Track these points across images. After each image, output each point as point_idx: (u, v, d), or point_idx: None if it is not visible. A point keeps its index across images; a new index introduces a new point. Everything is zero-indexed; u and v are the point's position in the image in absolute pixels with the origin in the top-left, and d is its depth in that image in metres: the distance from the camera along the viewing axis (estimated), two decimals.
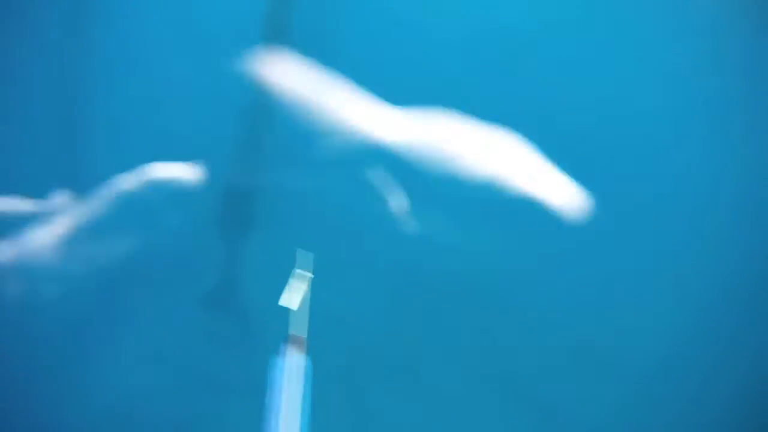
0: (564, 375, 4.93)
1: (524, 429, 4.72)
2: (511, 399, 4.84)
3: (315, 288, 4.55)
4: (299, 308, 2.79)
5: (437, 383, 4.73)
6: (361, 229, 5.14)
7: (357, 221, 5.14)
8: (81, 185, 4.63)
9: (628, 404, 5.31)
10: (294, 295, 2.82)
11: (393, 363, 4.79)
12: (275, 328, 2.78)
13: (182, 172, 4.56)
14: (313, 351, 3.81)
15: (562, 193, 4.97)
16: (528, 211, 5.55)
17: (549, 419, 4.80)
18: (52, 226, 4.37)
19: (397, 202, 5.41)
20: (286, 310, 2.67)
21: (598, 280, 5.70)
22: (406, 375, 4.76)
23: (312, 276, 2.92)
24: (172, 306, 4.46)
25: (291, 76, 5.02)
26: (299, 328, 2.65)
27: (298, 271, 2.99)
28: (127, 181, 4.52)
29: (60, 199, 4.41)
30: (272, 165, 5.34)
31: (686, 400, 5.00)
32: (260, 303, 4.23)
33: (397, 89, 6.01)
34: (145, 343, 4.30)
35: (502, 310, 5.29)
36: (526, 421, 4.76)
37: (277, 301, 2.71)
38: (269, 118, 5.23)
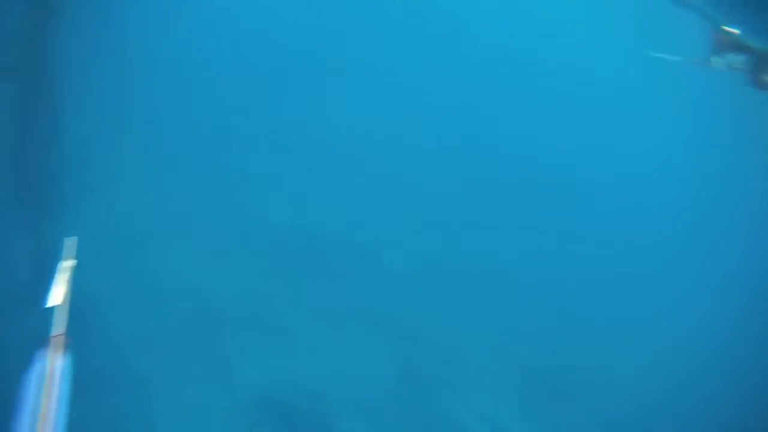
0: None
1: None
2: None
3: None
4: (62, 303, 2.58)
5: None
6: None
7: None
8: None
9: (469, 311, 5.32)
10: (60, 291, 2.60)
11: None
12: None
13: None
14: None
15: None
16: None
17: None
18: None
19: None
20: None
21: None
22: None
23: (75, 263, 2.73)
24: None
25: None
26: (60, 325, 2.47)
27: (63, 263, 2.76)
28: None
29: None
30: None
31: None
32: None
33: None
34: None
35: None
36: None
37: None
38: None
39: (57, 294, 2.74)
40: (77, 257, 4.73)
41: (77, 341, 4.62)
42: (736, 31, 4.34)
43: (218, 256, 5.52)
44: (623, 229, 6.43)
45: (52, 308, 2.65)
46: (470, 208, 6.31)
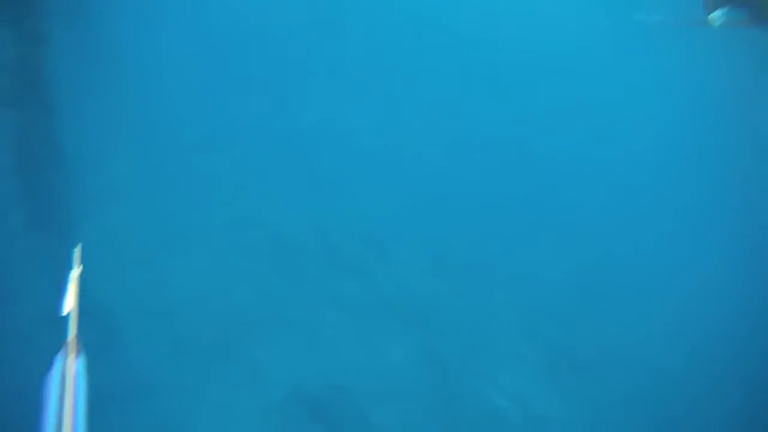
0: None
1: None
2: None
3: None
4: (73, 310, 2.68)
5: None
6: None
7: None
8: None
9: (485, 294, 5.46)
10: (71, 299, 2.71)
11: None
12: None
13: None
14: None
15: None
16: None
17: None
18: None
19: None
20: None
21: None
22: None
23: (81, 269, 2.81)
24: None
25: None
26: (73, 330, 2.56)
27: (72, 272, 2.86)
28: None
29: None
30: None
31: None
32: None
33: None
34: None
35: None
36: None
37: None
38: None
39: (69, 301, 2.84)
40: (96, 271, 4.88)
41: (104, 354, 4.82)
42: None
43: (235, 258, 5.58)
44: (638, 203, 6.43)
45: (66, 316, 2.73)
46: (481, 192, 6.32)
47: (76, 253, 2.97)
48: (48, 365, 3.01)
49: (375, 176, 6.32)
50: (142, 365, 4.79)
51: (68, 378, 2.66)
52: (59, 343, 3.19)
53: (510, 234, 6.04)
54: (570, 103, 7.21)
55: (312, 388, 4.97)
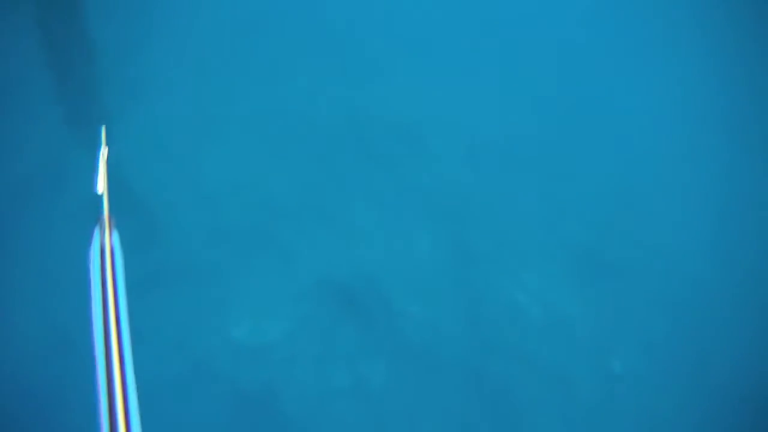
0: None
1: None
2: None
3: None
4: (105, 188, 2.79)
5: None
6: None
7: None
8: None
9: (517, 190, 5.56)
10: (102, 178, 2.81)
11: None
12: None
13: None
14: None
15: None
16: None
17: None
18: None
19: None
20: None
21: None
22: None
23: (108, 149, 2.88)
24: None
25: None
26: (106, 208, 2.69)
27: (101, 151, 2.93)
28: None
29: None
30: None
31: None
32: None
33: None
34: None
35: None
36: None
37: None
38: None
39: (101, 181, 3.00)
40: (136, 162, 5.09)
41: (153, 239, 5.12)
42: None
43: (269, 149, 5.63)
44: (667, 105, 6.06)
45: (100, 195, 2.89)
46: (518, 83, 6.04)
47: (102, 134, 3.06)
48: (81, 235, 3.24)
49: (409, 65, 6.10)
50: (180, 250, 5.04)
51: (106, 251, 2.85)
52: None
53: (549, 130, 5.85)
54: None
55: (341, 276, 5.18)
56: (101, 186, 2.76)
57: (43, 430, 4.16)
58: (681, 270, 5.15)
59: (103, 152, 2.85)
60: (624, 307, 4.95)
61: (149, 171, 5.12)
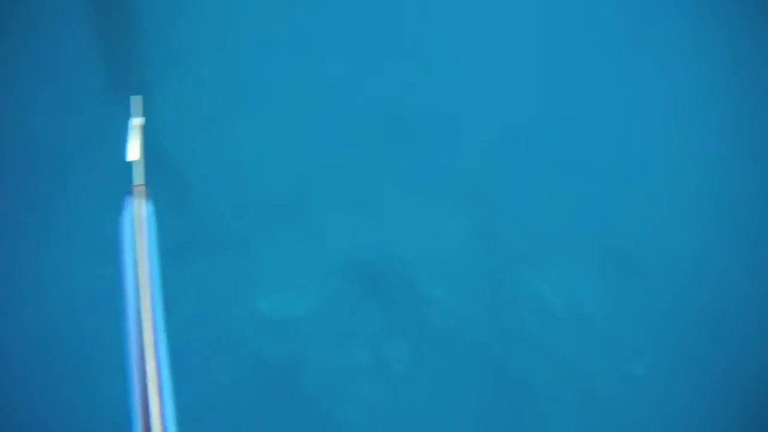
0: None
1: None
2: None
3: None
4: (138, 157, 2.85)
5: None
6: None
7: None
8: None
9: (550, 182, 5.51)
10: (134, 147, 2.87)
11: None
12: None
13: None
14: None
15: None
16: None
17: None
18: None
19: None
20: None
21: None
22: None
23: (144, 121, 2.92)
24: None
25: None
26: (139, 177, 2.75)
27: (133, 119, 2.98)
28: None
29: None
30: None
31: None
32: None
33: None
34: None
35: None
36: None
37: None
38: None
39: (133, 149, 3.07)
40: (172, 132, 5.14)
41: (186, 208, 5.19)
42: None
43: (303, 124, 5.62)
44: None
45: (131, 162, 2.95)
46: (561, 75, 5.92)
47: (135, 103, 3.13)
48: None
49: (446, 48, 6.01)
50: (211, 220, 5.11)
51: (139, 220, 2.94)
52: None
53: (586, 126, 5.73)
54: None
55: (368, 256, 5.21)
56: (133, 154, 2.82)
57: (69, 387, 4.30)
58: (711, 276, 5.08)
59: (137, 122, 2.90)
60: (650, 310, 4.93)
61: (184, 140, 5.17)
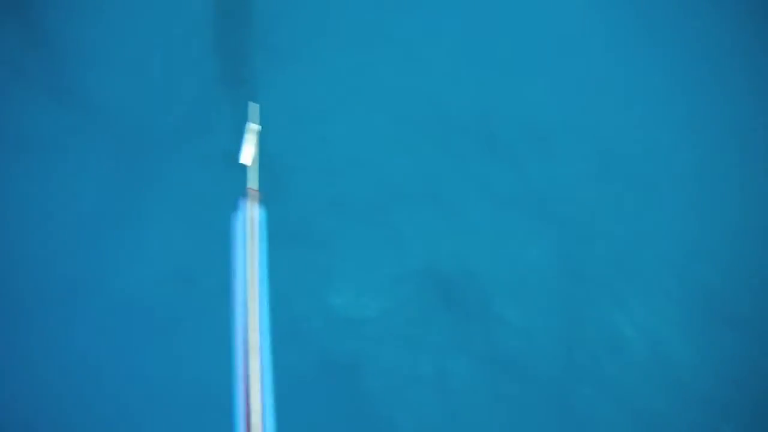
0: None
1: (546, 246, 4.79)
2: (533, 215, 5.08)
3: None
4: (253, 162, 2.91)
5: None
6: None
7: None
8: None
9: (645, 213, 5.07)
10: (249, 151, 2.93)
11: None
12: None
13: None
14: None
15: None
16: None
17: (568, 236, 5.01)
18: None
19: None
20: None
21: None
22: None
23: (260, 128, 2.98)
24: None
25: None
26: (253, 181, 2.81)
27: (250, 125, 3.03)
28: None
29: None
30: None
31: None
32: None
33: None
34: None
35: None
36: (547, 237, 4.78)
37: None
38: None
39: (247, 153, 3.23)
40: (270, 124, 5.35)
41: (273, 198, 5.39)
42: None
43: (395, 129, 5.67)
44: None
45: (246, 166, 3.09)
46: (669, 101, 5.61)
47: (254, 110, 3.27)
48: (231, 204, 3.50)
49: (545, 62, 5.84)
50: (296, 213, 5.26)
51: (251, 222, 3.08)
52: (238, 184, 3.67)
53: (693, 159, 5.39)
54: None
55: (445, 267, 5.19)
56: (247, 158, 2.95)
57: (158, 352, 4.58)
58: None
59: (253, 127, 3.04)
60: (742, 364, 4.55)
61: (279, 134, 5.36)
